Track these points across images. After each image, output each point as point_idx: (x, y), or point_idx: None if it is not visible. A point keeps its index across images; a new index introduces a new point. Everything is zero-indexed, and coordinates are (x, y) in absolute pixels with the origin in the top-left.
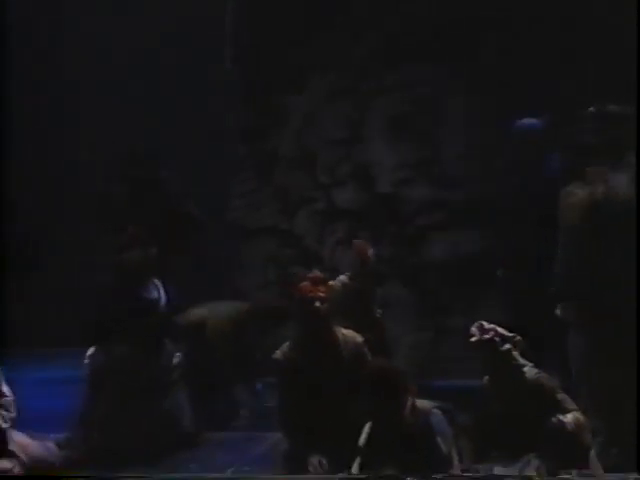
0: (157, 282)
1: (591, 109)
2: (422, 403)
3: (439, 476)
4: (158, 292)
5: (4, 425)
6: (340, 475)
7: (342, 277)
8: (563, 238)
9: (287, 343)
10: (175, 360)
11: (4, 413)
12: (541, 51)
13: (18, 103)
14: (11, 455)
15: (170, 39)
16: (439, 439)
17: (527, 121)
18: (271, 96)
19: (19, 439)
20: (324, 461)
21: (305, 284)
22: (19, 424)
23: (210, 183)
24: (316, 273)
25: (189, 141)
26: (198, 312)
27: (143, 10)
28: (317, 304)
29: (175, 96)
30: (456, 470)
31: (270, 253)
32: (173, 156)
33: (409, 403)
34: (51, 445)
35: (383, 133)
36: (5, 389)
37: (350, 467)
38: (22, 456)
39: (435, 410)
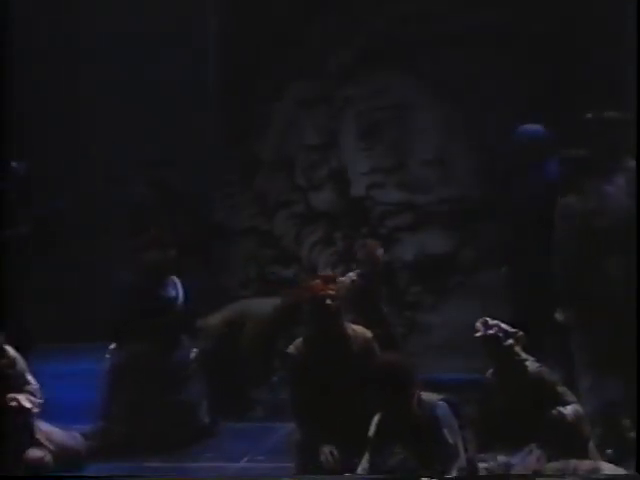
0: (176, 281)
1: (589, 115)
2: (428, 396)
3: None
4: (176, 291)
5: (34, 409)
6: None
7: (352, 275)
8: (559, 249)
9: (300, 339)
10: (192, 355)
11: (32, 399)
12: (504, 62)
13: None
14: (39, 444)
15: (155, 50)
16: (445, 430)
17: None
18: (251, 103)
19: (45, 428)
20: (335, 451)
21: (317, 282)
22: (46, 415)
23: (195, 185)
24: (327, 272)
25: (175, 144)
26: (237, 308)
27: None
28: (328, 301)
29: (160, 105)
30: (462, 460)
31: (251, 253)
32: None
33: (416, 396)
34: (76, 434)
35: (356, 140)
36: (29, 377)
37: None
38: (49, 444)
39: (441, 402)
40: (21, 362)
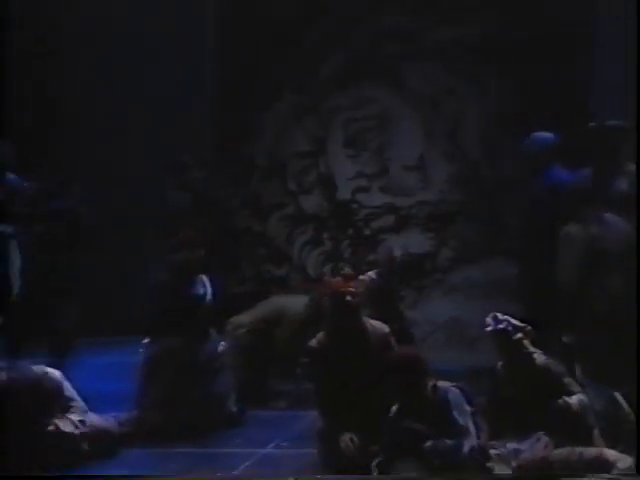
0: (204, 279)
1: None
2: (442, 383)
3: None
4: (205, 288)
5: (76, 431)
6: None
7: (371, 274)
8: (562, 275)
9: (321, 333)
10: (220, 348)
11: (74, 418)
12: (479, 75)
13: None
14: (78, 428)
15: (155, 55)
16: (455, 412)
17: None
18: (246, 112)
19: (84, 414)
20: (355, 438)
21: (338, 280)
22: (86, 403)
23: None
24: (348, 271)
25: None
26: (272, 306)
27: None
28: (348, 298)
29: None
30: (472, 439)
31: (245, 252)
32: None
33: (430, 383)
34: (110, 419)
35: (343, 148)
36: (70, 393)
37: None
38: (86, 429)
39: (453, 388)
40: (66, 384)
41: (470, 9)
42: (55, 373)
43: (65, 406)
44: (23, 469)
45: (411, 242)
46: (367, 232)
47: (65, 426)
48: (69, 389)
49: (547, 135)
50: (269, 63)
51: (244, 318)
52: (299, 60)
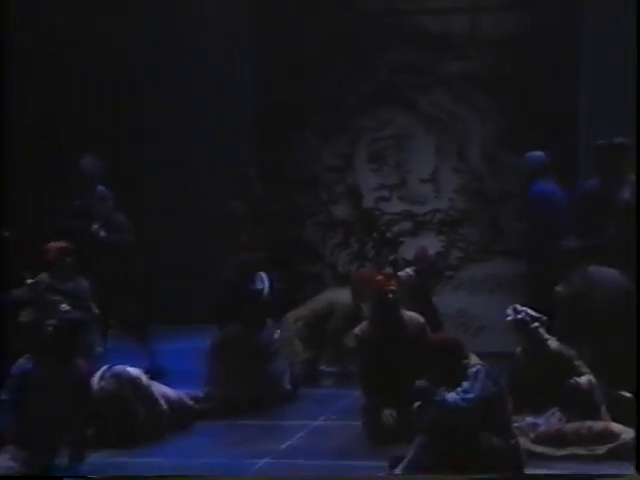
0: (263, 276)
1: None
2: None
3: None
4: (263, 284)
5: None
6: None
7: (408, 270)
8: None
9: (365, 322)
10: (276, 335)
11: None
12: (484, 101)
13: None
14: (158, 403)
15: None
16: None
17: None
18: (285, 134)
19: (162, 390)
20: (394, 413)
21: (380, 278)
22: (164, 381)
23: None
24: (389, 271)
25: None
26: (323, 300)
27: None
28: (389, 295)
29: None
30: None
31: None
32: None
33: (464, 361)
34: (184, 396)
35: (367, 163)
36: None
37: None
38: (164, 403)
39: (479, 365)
40: (153, 385)
41: (473, 47)
42: (135, 370)
43: (146, 392)
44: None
45: (425, 244)
46: (388, 235)
47: (149, 408)
48: (146, 379)
49: (538, 154)
50: (304, 92)
51: (301, 311)
52: (330, 89)
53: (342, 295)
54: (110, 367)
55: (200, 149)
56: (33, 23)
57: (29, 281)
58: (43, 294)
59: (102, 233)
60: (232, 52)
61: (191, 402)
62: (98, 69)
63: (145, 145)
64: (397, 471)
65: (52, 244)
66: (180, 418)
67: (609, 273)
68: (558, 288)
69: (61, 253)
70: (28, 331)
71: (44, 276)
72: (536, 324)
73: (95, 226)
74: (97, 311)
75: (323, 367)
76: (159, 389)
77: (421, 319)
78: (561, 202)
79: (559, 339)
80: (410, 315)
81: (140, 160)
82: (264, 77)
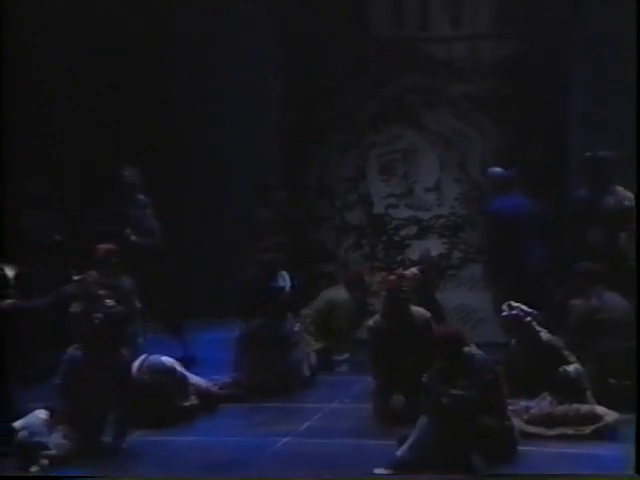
0: (284, 275)
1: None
2: (472, 349)
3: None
4: (284, 282)
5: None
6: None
7: (414, 269)
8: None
9: (377, 315)
10: (296, 328)
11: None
12: (483, 119)
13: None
14: (191, 392)
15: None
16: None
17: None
18: (304, 147)
19: (194, 380)
20: (402, 398)
21: (393, 278)
22: (196, 370)
23: None
24: (400, 271)
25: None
26: (324, 299)
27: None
28: (400, 294)
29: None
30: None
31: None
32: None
33: (465, 350)
34: (213, 384)
35: (377, 174)
36: (181, 369)
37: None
38: (195, 391)
39: (478, 353)
40: (185, 373)
41: (474, 71)
42: (169, 359)
43: (178, 379)
44: None
45: (430, 246)
46: (396, 238)
47: (181, 393)
48: (179, 367)
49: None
50: (321, 110)
51: (307, 311)
52: (344, 108)
53: (339, 293)
54: (147, 356)
55: (228, 159)
56: (74, 43)
57: (76, 277)
58: (91, 289)
59: (133, 237)
60: (259, 70)
61: (218, 389)
62: (133, 88)
63: (179, 156)
64: (403, 449)
65: (101, 246)
66: (208, 402)
67: (615, 295)
68: (575, 301)
69: (108, 253)
70: (77, 322)
71: (92, 273)
72: (529, 319)
73: (127, 231)
74: (139, 306)
75: (335, 357)
76: (190, 376)
77: (427, 314)
78: (522, 214)
79: (550, 332)
80: (417, 310)
81: (175, 170)
82: (287, 95)
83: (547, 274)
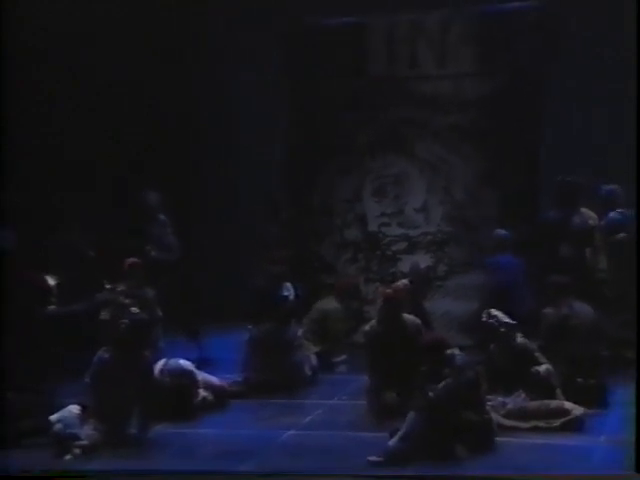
0: (289, 285)
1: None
2: (454, 351)
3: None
4: (289, 292)
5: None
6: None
7: (405, 281)
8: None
9: (373, 321)
10: (299, 332)
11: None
12: (468, 149)
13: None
14: (201, 387)
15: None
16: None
17: None
18: (307, 171)
19: (204, 377)
20: (394, 395)
21: (389, 291)
22: (209, 369)
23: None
24: (395, 285)
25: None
26: (318, 310)
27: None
28: (394, 303)
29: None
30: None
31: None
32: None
33: (448, 352)
34: (223, 382)
35: (372, 196)
36: (194, 369)
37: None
38: (207, 387)
39: (459, 353)
40: (198, 373)
41: (458, 105)
42: (186, 362)
43: (194, 379)
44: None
45: (419, 260)
46: (389, 253)
47: (196, 391)
48: (194, 368)
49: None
50: (323, 140)
51: (304, 321)
52: (343, 137)
53: (329, 303)
54: (168, 360)
55: (242, 183)
56: (73, 43)
57: (108, 286)
58: (119, 298)
59: (153, 253)
60: (272, 105)
61: (230, 386)
62: (152, 110)
63: (195, 175)
64: (394, 440)
65: (128, 259)
66: (221, 399)
67: (583, 304)
68: (547, 310)
69: (134, 267)
70: (106, 328)
71: (120, 284)
72: (505, 325)
73: (147, 247)
74: (160, 313)
75: (334, 358)
76: (204, 376)
77: (418, 321)
78: (514, 269)
79: (524, 336)
80: (409, 317)
81: (191, 189)
82: (294, 128)
83: (523, 286)
